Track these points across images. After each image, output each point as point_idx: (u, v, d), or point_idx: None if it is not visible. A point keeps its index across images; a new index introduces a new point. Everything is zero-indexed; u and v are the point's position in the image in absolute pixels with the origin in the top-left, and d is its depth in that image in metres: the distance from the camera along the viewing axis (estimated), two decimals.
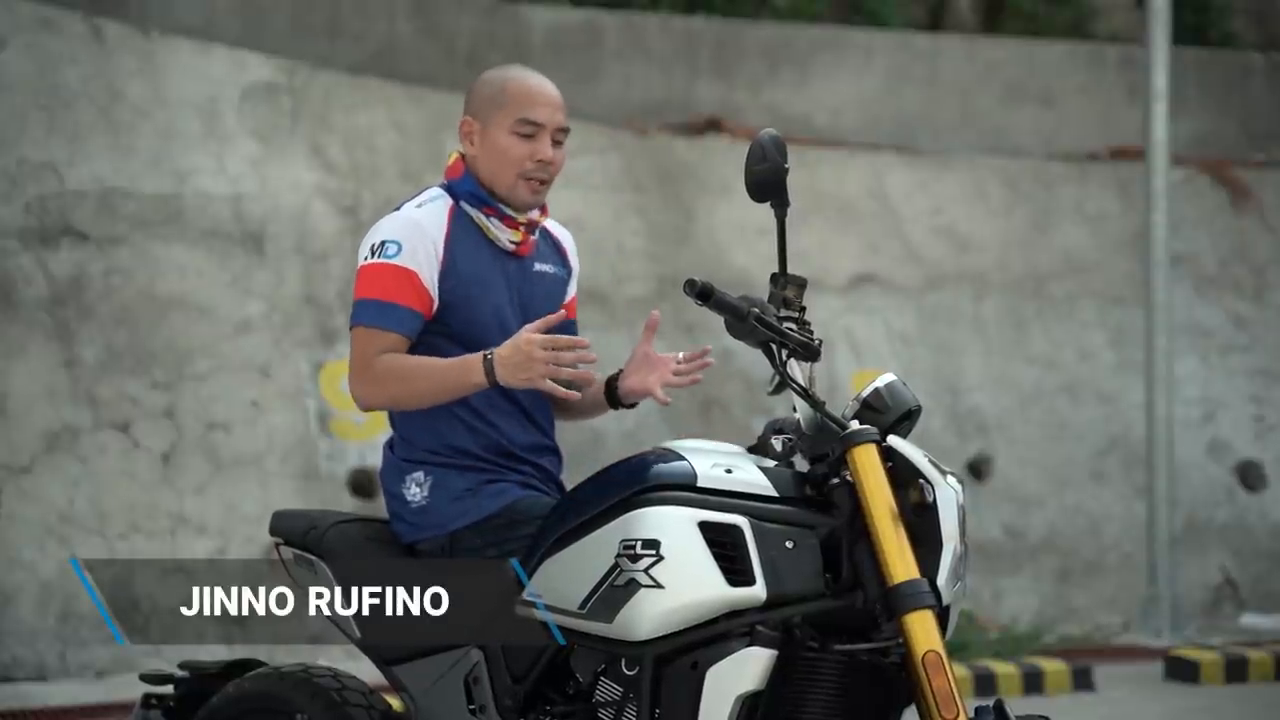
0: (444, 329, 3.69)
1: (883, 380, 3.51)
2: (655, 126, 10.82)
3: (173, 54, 9.25)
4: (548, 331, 3.57)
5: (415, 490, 3.72)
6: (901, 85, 11.92)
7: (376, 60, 10.51)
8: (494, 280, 3.73)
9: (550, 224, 3.92)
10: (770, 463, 3.50)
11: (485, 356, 3.55)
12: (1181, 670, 8.44)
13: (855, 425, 3.42)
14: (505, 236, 3.76)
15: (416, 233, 3.67)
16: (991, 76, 12.15)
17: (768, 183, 3.56)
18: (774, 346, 3.50)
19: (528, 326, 3.57)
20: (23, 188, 8.67)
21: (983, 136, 11.93)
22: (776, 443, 3.52)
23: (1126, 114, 11.69)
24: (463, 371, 3.58)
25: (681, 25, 11.62)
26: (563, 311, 3.75)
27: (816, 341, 3.52)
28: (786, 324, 3.50)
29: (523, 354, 3.51)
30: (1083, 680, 8.19)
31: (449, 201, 3.76)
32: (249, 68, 9.42)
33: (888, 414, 3.45)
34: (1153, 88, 9.62)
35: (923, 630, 3.28)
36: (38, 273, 8.55)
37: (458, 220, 3.74)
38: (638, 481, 3.43)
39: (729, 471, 3.42)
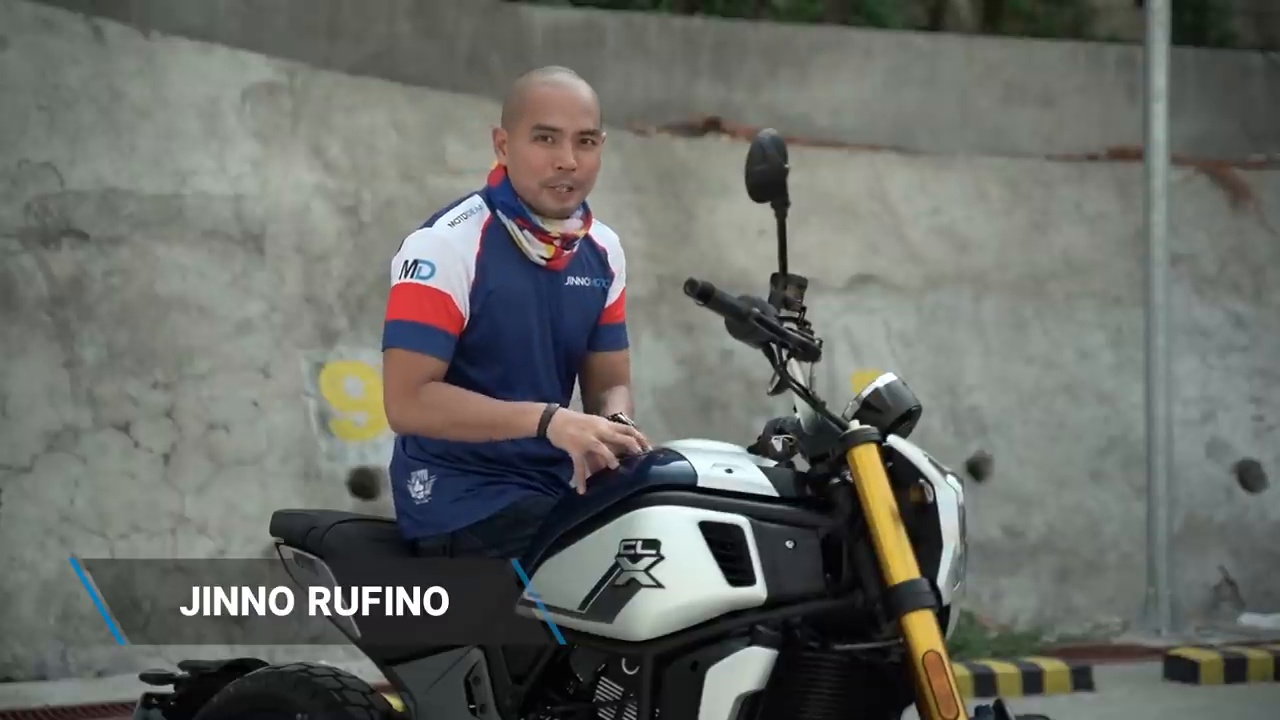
0: (466, 347, 3.66)
1: (883, 380, 3.51)
2: (655, 126, 10.82)
3: (173, 54, 9.25)
4: None
5: (419, 488, 3.72)
6: (901, 85, 11.92)
7: (376, 60, 10.51)
8: (524, 297, 3.69)
9: (593, 229, 3.83)
10: (770, 463, 3.50)
11: (550, 408, 3.54)
12: (1181, 670, 8.44)
13: (855, 425, 3.42)
14: (536, 251, 3.70)
15: (448, 252, 3.62)
16: (991, 77, 12.16)
17: (768, 183, 3.56)
18: (774, 346, 3.50)
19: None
20: (23, 188, 8.67)
21: (982, 136, 11.93)
22: (776, 443, 3.52)
23: (1126, 114, 11.70)
24: (516, 413, 3.56)
25: (681, 25, 11.62)
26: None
27: (816, 341, 3.52)
28: (787, 324, 3.50)
29: (592, 431, 3.49)
30: (1082, 680, 8.19)
31: (485, 214, 3.71)
32: (250, 68, 9.42)
33: (888, 414, 3.45)
34: (1152, 88, 9.62)
35: (923, 630, 3.28)
36: (38, 273, 8.55)
37: (491, 234, 3.69)
38: (638, 481, 3.43)
39: (729, 471, 3.43)
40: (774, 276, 3.57)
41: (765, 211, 3.62)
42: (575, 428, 3.50)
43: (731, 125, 10.98)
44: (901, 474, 3.38)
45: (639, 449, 3.51)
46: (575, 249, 3.76)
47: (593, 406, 3.86)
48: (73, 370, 8.43)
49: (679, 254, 10.08)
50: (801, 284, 3.56)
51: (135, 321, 8.64)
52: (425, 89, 10.03)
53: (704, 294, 3.45)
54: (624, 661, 3.44)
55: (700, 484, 3.40)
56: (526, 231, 3.69)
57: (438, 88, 10.11)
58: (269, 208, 9.14)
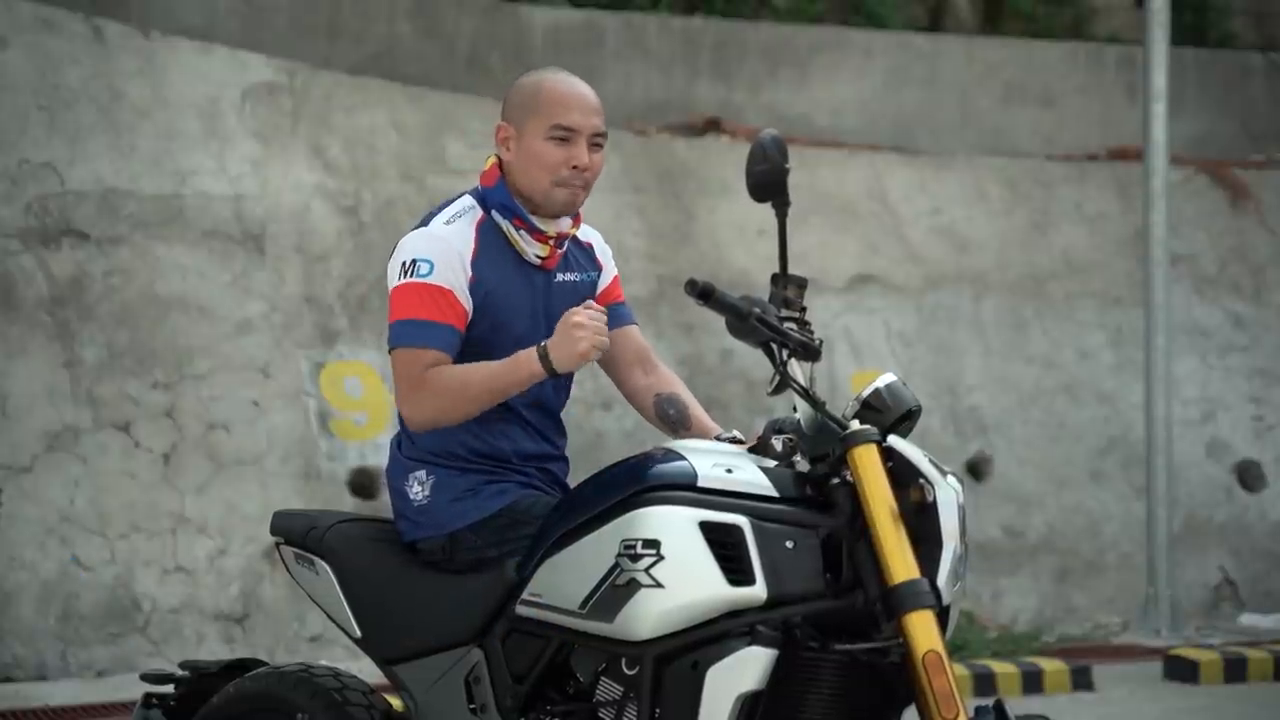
0: (464, 346, 3.66)
1: (882, 380, 3.51)
2: (655, 126, 10.82)
3: (173, 54, 9.25)
4: None
5: (417, 489, 3.72)
6: (901, 85, 11.92)
7: (376, 60, 10.51)
8: (520, 296, 3.71)
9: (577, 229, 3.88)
10: (770, 463, 3.50)
11: (540, 346, 3.55)
12: (1181, 670, 8.44)
13: (855, 425, 3.42)
14: (532, 251, 3.73)
15: (445, 249, 3.64)
16: (991, 77, 12.16)
17: (768, 183, 3.56)
18: (774, 346, 3.50)
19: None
20: (23, 188, 8.67)
21: (982, 137, 11.93)
22: (777, 443, 3.52)
23: (1126, 114, 11.69)
24: (516, 365, 3.57)
25: (681, 25, 11.62)
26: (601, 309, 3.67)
27: (817, 341, 3.52)
28: (787, 324, 3.50)
29: (566, 326, 3.52)
30: (1082, 680, 8.19)
31: (478, 214, 3.73)
32: (250, 68, 9.42)
33: (888, 414, 3.45)
34: (1152, 88, 9.62)
35: (923, 630, 3.28)
36: (38, 273, 8.55)
37: (485, 233, 3.71)
38: (638, 481, 3.43)
39: (729, 471, 3.42)
40: (774, 276, 3.57)
41: (765, 211, 3.62)
42: (570, 346, 3.52)
43: (731, 125, 10.98)
44: (901, 474, 3.38)
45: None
46: (565, 247, 3.80)
47: (633, 390, 3.89)
48: (73, 370, 8.43)
49: (679, 254, 10.08)
50: (801, 284, 3.57)
51: (135, 321, 8.64)
52: (425, 89, 10.03)
53: (704, 294, 3.45)
54: (624, 661, 3.44)
55: (700, 484, 3.40)
56: (523, 231, 3.72)
57: (438, 88, 10.12)
58: (269, 208, 9.14)
